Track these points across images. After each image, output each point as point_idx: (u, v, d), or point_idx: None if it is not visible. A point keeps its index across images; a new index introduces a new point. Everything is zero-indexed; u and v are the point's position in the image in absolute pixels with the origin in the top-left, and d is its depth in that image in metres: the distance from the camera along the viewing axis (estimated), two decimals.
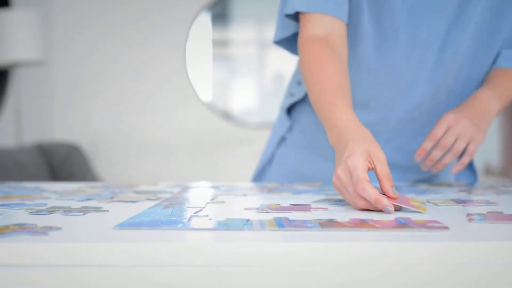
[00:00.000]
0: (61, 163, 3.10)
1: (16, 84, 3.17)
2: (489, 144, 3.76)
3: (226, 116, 3.72)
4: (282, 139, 1.26)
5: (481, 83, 1.13)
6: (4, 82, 3.30)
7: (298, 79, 1.23)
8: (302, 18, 1.04)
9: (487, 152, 3.76)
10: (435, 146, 1.03)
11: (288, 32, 1.11)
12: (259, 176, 1.31)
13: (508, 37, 1.11)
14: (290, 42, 1.14)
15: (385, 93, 1.10)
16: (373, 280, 0.56)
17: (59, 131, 3.68)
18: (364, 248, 0.57)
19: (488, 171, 3.64)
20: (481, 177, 3.55)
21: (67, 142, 3.35)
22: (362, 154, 0.79)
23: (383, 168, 0.79)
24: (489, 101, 1.05)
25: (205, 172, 3.53)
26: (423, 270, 0.56)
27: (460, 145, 1.01)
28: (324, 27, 1.01)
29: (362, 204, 0.76)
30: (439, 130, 1.02)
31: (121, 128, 3.69)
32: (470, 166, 1.26)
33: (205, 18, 3.76)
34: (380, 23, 1.05)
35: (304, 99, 1.22)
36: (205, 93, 3.75)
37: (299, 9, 1.03)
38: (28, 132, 3.38)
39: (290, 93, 1.25)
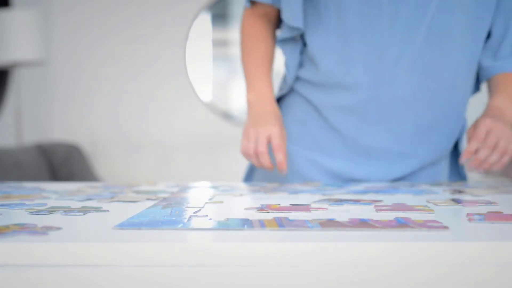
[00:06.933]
0: (61, 163, 3.10)
1: (16, 84, 3.18)
2: None
3: (226, 116, 3.72)
4: None
5: (471, 72, 1.16)
6: (4, 82, 3.30)
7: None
8: None
9: None
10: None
11: None
12: (250, 174, 1.32)
13: (498, 35, 1.15)
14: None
15: (372, 68, 1.12)
16: (373, 280, 0.56)
17: (59, 131, 3.67)
18: (364, 248, 0.57)
19: (488, 171, 3.63)
20: (481, 177, 3.55)
21: (67, 142, 3.35)
22: (281, 128, 1.15)
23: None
24: (506, 107, 1.12)
25: (205, 172, 3.53)
26: (423, 270, 0.56)
27: (503, 144, 1.07)
28: (267, 7, 1.23)
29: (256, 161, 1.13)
30: (482, 132, 1.07)
31: (121, 128, 3.69)
32: (460, 172, 1.28)
33: (205, 18, 3.76)
34: None
35: (291, 92, 1.25)
36: (205, 93, 3.75)
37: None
38: (28, 132, 3.38)
39: (280, 88, 1.30)
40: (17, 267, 0.56)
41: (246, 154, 1.14)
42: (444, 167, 1.24)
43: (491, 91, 1.18)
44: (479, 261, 0.56)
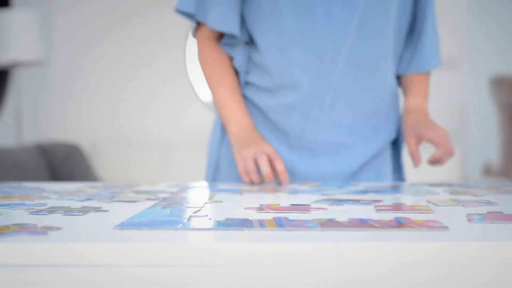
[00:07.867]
0: (61, 163, 3.10)
1: (16, 84, 3.18)
2: (489, 144, 3.76)
3: None
4: (222, 140, 1.29)
5: (399, 58, 1.26)
6: (4, 82, 3.30)
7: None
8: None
9: (487, 152, 3.76)
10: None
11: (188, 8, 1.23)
12: (214, 174, 1.31)
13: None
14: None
15: (311, 66, 1.17)
16: (373, 280, 0.56)
17: (59, 131, 3.67)
18: (364, 248, 0.57)
19: (488, 171, 3.63)
20: (481, 177, 3.55)
21: (67, 142, 3.35)
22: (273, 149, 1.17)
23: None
24: (422, 106, 1.26)
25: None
26: (423, 270, 0.56)
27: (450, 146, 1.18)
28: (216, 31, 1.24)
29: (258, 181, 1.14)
30: (448, 145, 1.17)
31: (121, 128, 3.69)
32: (399, 165, 1.34)
33: None
34: None
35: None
36: (205, 93, 3.75)
37: (200, 19, 1.21)
38: (28, 132, 3.38)
39: None
40: (17, 267, 0.56)
41: (245, 172, 1.15)
42: (386, 160, 1.29)
43: (406, 90, 1.29)
44: (479, 261, 0.56)
